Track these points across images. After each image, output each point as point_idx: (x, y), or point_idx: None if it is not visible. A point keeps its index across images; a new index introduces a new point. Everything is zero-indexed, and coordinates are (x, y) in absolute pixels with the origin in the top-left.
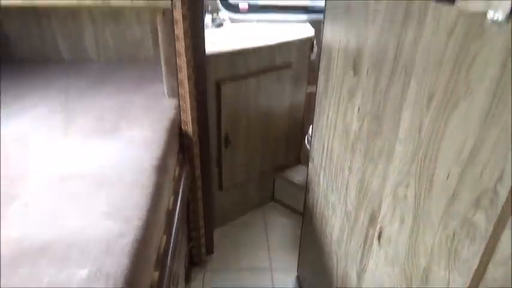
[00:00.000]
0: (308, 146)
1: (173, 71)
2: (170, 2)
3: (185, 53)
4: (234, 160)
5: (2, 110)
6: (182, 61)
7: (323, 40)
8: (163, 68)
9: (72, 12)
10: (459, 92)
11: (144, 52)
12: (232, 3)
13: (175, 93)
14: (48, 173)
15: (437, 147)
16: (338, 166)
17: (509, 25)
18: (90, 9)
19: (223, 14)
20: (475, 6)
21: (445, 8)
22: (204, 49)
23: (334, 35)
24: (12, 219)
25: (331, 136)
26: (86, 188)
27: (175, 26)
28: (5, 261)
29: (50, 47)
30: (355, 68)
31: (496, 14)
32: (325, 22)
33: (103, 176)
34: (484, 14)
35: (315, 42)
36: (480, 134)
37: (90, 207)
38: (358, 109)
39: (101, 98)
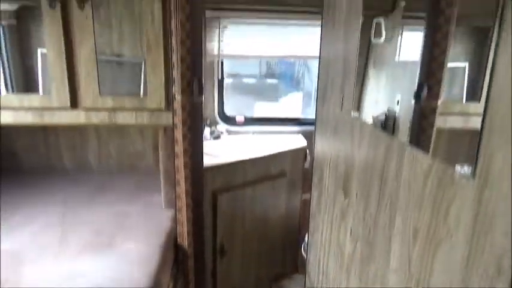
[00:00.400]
0: (304, 254)
1: (171, 184)
2: (171, 120)
3: (184, 170)
4: (230, 270)
5: (2, 225)
6: (181, 176)
7: (314, 155)
8: (162, 181)
9: (79, 128)
10: (441, 233)
11: (144, 162)
12: (229, 116)
13: (172, 204)
14: None
15: (427, 284)
16: (334, 286)
17: (476, 181)
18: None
19: (221, 126)
20: None
21: (419, 154)
22: (202, 164)
23: (324, 150)
24: None
25: (326, 254)
26: None
27: (175, 145)
28: None
29: (55, 159)
30: (345, 190)
31: (463, 169)
32: (315, 137)
33: None
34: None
35: (307, 151)
36: (463, 281)
37: None
38: (351, 231)
39: (99, 209)
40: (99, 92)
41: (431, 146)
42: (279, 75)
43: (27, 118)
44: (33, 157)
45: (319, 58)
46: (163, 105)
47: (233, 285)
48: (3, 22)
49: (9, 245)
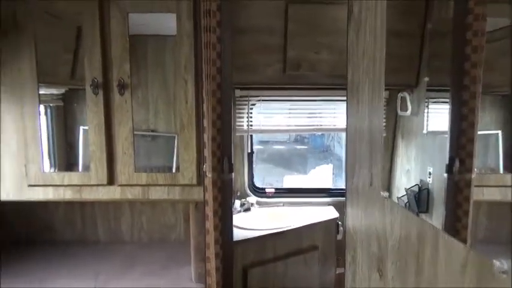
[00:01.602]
0: None
1: (201, 258)
2: (202, 196)
3: (214, 246)
4: None
5: None
6: (211, 253)
7: (346, 231)
8: (192, 255)
9: (114, 202)
10: None
11: (175, 234)
12: (259, 187)
13: (202, 279)
14: None
15: None
16: None
17: None
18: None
19: (251, 198)
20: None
21: (454, 243)
22: (232, 241)
23: (355, 226)
24: None
25: None
26: None
27: (206, 220)
28: None
29: (90, 230)
30: (380, 272)
31: (502, 264)
32: (347, 212)
33: None
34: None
35: (339, 223)
36: None
37: None
38: None
39: (129, 282)
40: (134, 169)
41: (469, 229)
42: (309, 140)
43: (66, 194)
44: (69, 229)
45: (346, 133)
46: (195, 181)
47: None
48: (51, 104)
49: None
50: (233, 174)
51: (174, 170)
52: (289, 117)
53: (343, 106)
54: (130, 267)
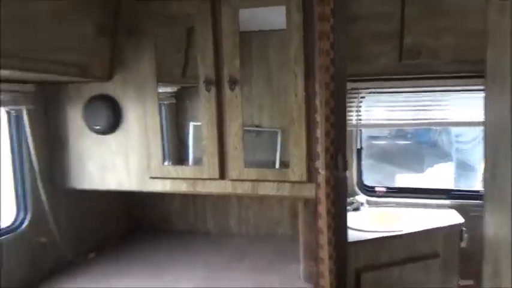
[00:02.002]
0: None
1: (311, 257)
2: (313, 193)
3: (328, 247)
4: None
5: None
6: (324, 254)
7: (485, 240)
8: (302, 253)
9: (223, 196)
10: None
11: (281, 229)
12: (369, 186)
13: (311, 279)
14: None
15: None
16: None
17: None
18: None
19: (360, 197)
20: None
21: None
22: (347, 242)
23: (498, 235)
24: None
25: None
26: None
27: (319, 219)
28: None
29: (201, 222)
30: None
31: None
32: (486, 219)
33: None
34: None
35: (464, 229)
36: None
37: None
38: None
39: (239, 276)
40: (244, 164)
41: None
42: (412, 135)
43: (182, 187)
44: (183, 220)
45: (485, 127)
46: (305, 177)
47: None
48: (165, 102)
49: None
50: (347, 172)
51: (277, 166)
52: (391, 110)
53: (460, 96)
54: (239, 260)
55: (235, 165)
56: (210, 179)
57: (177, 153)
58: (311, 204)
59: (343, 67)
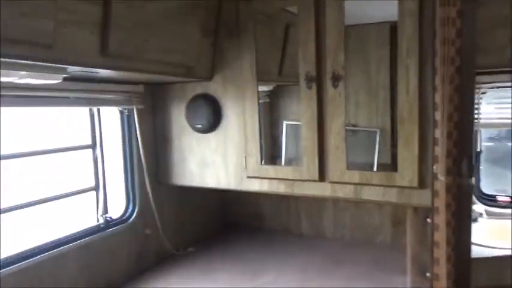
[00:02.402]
0: None
1: (420, 272)
2: (425, 201)
3: (446, 264)
4: None
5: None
6: (441, 271)
7: None
8: (409, 267)
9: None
10: None
11: (380, 237)
12: (488, 194)
13: None
14: None
15: None
16: None
17: None
18: None
19: (478, 206)
20: None
21: None
22: (469, 260)
23: None
24: None
25: None
26: None
27: (435, 231)
28: None
29: (293, 223)
30: None
31: None
32: None
33: None
34: None
35: None
36: None
37: None
38: None
39: (336, 282)
40: (347, 166)
41: None
42: None
43: (280, 188)
44: (276, 219)
45: None
46: (416, 183)
47: None
48: (260, 100)
49: None
50: (473, 179)
51: (375, 168)
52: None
53: None
54: (335, 266)
55: (337, 167)
56: (309, 180)
57: (270, 152)
58: (421, 213)
59: (471, 58)
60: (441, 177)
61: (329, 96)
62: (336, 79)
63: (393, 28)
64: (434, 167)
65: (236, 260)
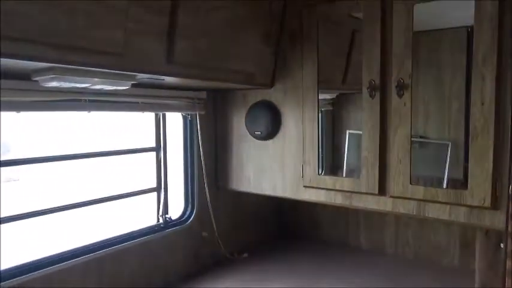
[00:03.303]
0: None
1: None
2: (498, 223)
3: None
4: None
5: None
6: None
7: None
8: None
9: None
10: None
11: (447, 259)
12: None
13: None
14: None
15: None
16: None
17: None
18: None
19: None
20: None
21: None
22: None
23: None
24: None
25: None
26: None
27: (508, 260)
28: None
29: (352, 236)
30: None
31: None
32: None
33: None
34: None
35: None
36: None
37: None
38: None
39: None
40: (410, 181)
41: None
42: None
43: (337, 199)
44: (334, 230)
45: None
46: (488, 202)
47: None
48: (322, 108)
49: None
50: None
51: (445, 184)
52: None
53: None
54: (394, 286)
55: (399, 181)
56: (367, 193)
57: (331, 162)
58: (493, 236)
59: None
60: None
61: (393, 106)
62: (401, 88)
63: (471, 33)
64: (510, 185)
65: (290, 270)
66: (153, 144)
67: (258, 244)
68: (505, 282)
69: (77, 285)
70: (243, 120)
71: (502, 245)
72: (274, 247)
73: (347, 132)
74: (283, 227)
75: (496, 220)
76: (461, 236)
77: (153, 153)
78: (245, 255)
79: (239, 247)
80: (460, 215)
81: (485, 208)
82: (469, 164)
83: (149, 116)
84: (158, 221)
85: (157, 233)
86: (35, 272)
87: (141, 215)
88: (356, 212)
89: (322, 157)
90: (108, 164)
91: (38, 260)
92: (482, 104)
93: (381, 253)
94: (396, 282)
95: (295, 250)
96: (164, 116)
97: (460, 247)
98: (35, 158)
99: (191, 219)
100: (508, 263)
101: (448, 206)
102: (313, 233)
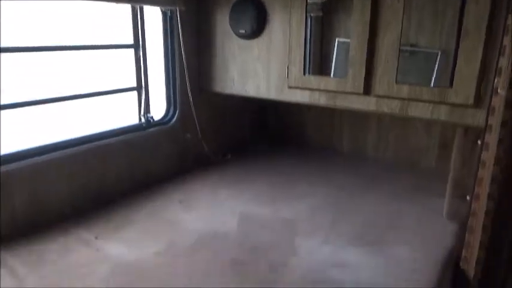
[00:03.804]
0: None
1: (460, 194)
2: (479, 121)
3: (490, 185)
4: None
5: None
6: (483, 191)
7: None
8: (448, 189)
9: (363, 114)
10: None
11: (425, 161)
12: None
13: (456, 217)
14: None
15: None
16: None
17: None
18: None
19: None
20: None
21: None
22: None
23: None
24: None
25: None
26: None
27: (484, 151)
28: None
29: (336, 140)
30: None
31: None
32: None
33: None
34: None
35: None
36: None
37: None
38: None
39: (372, 201)
40: (396, 80)
41: None
42: None
43: (321, 99)
44: (317, 135)
45: None
46: (471, 100)
47: None
48: (312, 14)
49: (288, 214)
50: None
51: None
52: None
53: None
54: (372, 185)
55: (384, 80)
56: (353, 93)
57: (319, 65)
58: (472, 134)
59: None
60: (501, 92)
61: (387, 2)
62: None
63: None
64: (495, 80)
65: (273, 171)
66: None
67: (241, 147)
68: (477, 172)
69: (59, 178)
70: (227, 17)
71: (479, 142)
72: (258, 150)
73: (336, 40)
74: (267, 130)
75: (477, 118)
76: (440, 139)
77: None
78: (228, 156)
79: (223, 150)
80: (442, 114)
81: (468, 106)
82: (457, 63)
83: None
84: (140, 120)
85: (140, 132)
86: (15, 163)
87: (124, 115)
88: (340, 116)
89: (309, 59)
90: (87, 61)
91: (17, 151)
92: (477, 2)
93: (363, 157)
94: (375, 182)
95: (278, 152)
96: (142, 11)
97: (438, 149)
98: (9, 47)
99: (174, 120)
100: (483, 154)
101: (432, 105)
102: (296, 137)
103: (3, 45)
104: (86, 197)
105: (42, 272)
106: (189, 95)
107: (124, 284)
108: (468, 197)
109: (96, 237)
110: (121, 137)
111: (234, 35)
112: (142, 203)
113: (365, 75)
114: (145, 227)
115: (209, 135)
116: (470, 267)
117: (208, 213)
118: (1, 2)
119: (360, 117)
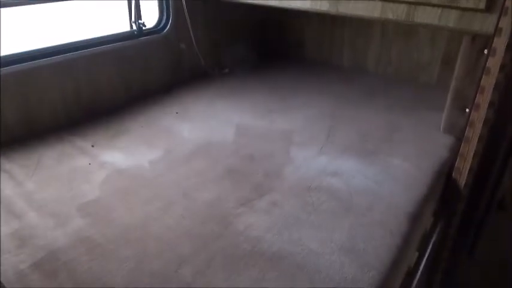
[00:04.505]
0: None
1: (460, 105)
2: (488, 27)
3: (492, 91)
4: (502, 228)
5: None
6: (484, 99)
7: None
8: (449, 100)
9: (365, 25)
10: None
11: (427, 75)
12: None
13: (453, 131)
14: (295, 179)
15: None
16: None
17: None
18: (383, 24)
19: None
20: None
21: None
22: None
23: None
24: (258, 215)
25: None
26: (331, 208)
27: (490, 57)
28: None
29: (336, 54)
30: None
31: None
32: None
33: (350, 201)
34: None
35: None
36: None
37: (330, 233)
38: None
39: (369, 112)
40: None
41: None
42: None
43: (322, 5)
44: (318, 49)
45: None
46: (482, 4)
47: (502, 248)
48: None
49: (285, 124)
50: None
51: None
52: None
53: None
54: (370, 98)
55: None
56: None
57: None
58: (479, 42)
59: None
60: None
61: None
62: None
63: None
64: None
65: (270, 85)
66: None
67: (240, 62)
68: (480, 80)
69: (50, 84)
70: None
71: (485, 51)
72: (256, 65)
73: None
74: (266, 45)
75: (486, 24)
76: (444, 54)
77: None
78: (226, 70)
79: (220, 63)
80: (451, 20)
81: (479, 10)
82: None
83: None
84: (131, 27)
85: (132, 41)
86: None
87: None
88: (341, 29)
89: None
90: None
91: (7, 55)
92: None
93: (363, 72)
94: (374, 95)
95: (277, 68)
96: None
97: (440, 64)
98: None
99: (167, 28)
100: (489, 61)
101: (440, 9)
102: (297, 52)
103: None
104: (80, 107)
105: (41, 176)
106: (183, 1)
107: (120, 189)
108: (467, 110)
109: (92, 145)
110: (113, 45)
111: None
112: (138, 114)
113: None
114: (142, 136)
115: (206, 49)
116: (462, 177)
117: (205, 124)
118: None
119: (361, 33)
